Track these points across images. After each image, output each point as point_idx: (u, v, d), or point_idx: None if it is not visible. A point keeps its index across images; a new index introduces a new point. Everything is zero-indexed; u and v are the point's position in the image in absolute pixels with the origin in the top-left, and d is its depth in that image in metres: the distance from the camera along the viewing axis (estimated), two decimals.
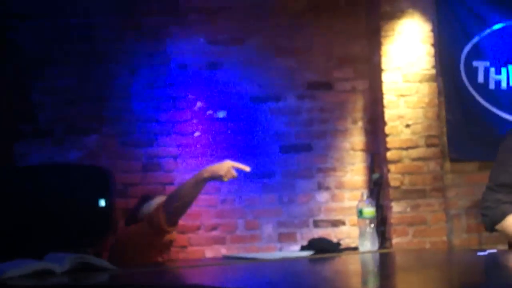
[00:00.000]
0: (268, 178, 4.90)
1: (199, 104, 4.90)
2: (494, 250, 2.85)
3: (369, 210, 3.20)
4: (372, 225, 3.20)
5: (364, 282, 2.27)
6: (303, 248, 3.34)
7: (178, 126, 4.86)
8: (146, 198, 3.74)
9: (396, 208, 4.69)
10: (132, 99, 4.84)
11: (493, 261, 2.62)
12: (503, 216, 2.96)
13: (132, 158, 4.81)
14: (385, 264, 2.95)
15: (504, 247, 4.76)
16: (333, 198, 4.92)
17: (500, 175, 3.03)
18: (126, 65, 4.86)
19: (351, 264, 2.92)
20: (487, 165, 4.89)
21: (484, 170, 4.91)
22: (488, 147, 4.88)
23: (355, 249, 3.33)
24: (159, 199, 3.61)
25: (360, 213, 3.21)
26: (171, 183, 4.73)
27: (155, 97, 4.87)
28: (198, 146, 4.84)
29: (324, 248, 3.21)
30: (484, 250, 2.81)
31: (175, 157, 4.84)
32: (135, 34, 4.87)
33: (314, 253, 3.19)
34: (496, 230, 3.03)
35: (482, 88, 4.93)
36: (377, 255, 3.18)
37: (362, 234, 3.21)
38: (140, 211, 3.61)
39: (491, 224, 3.03)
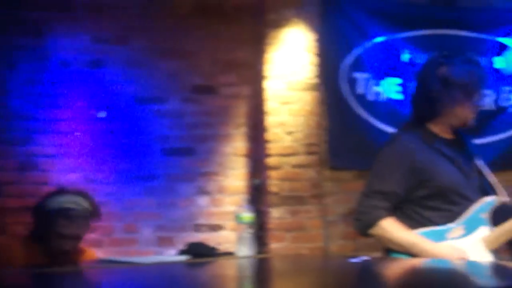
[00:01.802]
0: (149, 181, 4.93)
1: (80, 103, 4.85)
2: (367, 257, 2.98)
3: (247, 216, 3.28)
4: (250, 231, 3.28)
5: (240, 287, 2.34)
6: (180, 253, 3.38)
7: (57, 124, 4.81)
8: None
9: (275, 214, 4.83)
10: (10, 95, 4.73)
11: (364, 268, 2.75)
12: (376, 221, 3.06)
13: (8, 156, 4.71)
14: (261, 269, 3.05)
15: (378, 254, 4.99)
16: (214, 202, 5.01)
17: (375, 183, 3.14)
18: (5, 59, 4.73)
19: (227, 269, 3.00)
20: (364, 174, 5.09)
21: (361, 179, 5.12)
22: (366, 156, 5.09)
23: (232, 254, 3.40)
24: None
25: (238, 218, 3.29)
26: (47, 183, 4.64)
27: (34, 94, 4.79)
28: (77, 146, 4.79)
29: (200, 253, 3.27)
30: (357, 257, 2.94)
31: (52, 157, 4.77)
32: (18, 28, 4.75)
33: (191, 258, 3.23)
34: (368, 235, 3.13)
35: (362, 99, 5.16)
36: (254, 260, 3.26)
37: (239, 239, 3.29)
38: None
39: (364, 228, 3.12)
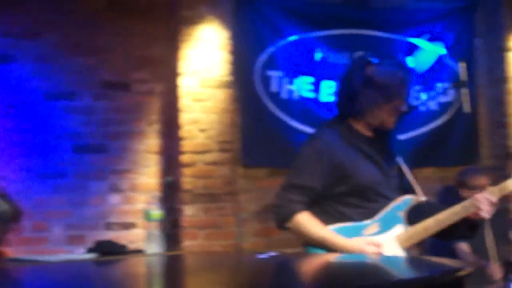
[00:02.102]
0: (59, 179, 4.86)
1: None
2: (274, 253, 3.02)
3: (156, 213, 3.28)
4: (159, 228, 3.28)
5: (148, 284, 2.33)
6: (89, 251, 3.35)
7: None
8: None
9: (188, 211, 4.83)
10: None
11: (270, 263, 2.78)
12: (292, 214, 3.09)
13: None
14: (170, 266, 3.05)
15: (292, 250, 5.06)
16: (126, 200, 4.98)
17: (294, 177, 3.16)
18: None
19: (133, 267, 2.99)
20: (277, 172, 5.21)
21: (274, 176, 5.21)
22: (278, 154, 5.19)
23: (142, 251, 3.39)
24: None
25: (147, 215, 3.29)
26: None
27: None
28: None
29: (109, 251, 3.25)
30: (265, 253, 2.98)
31: None
32: None
33: (99, 256, 3.22)
34: (285, 228, 3.15)
35: (275, 97, 5.21)
36: (164, 258, 3.26)
37: (149, 237, 3.29)
38: None
39: (280, 222, 3.15)
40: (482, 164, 5.83)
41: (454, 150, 5.76)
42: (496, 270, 4.50)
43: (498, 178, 5.80)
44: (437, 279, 1.68)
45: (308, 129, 5.27)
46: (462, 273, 1.79)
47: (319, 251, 3.09)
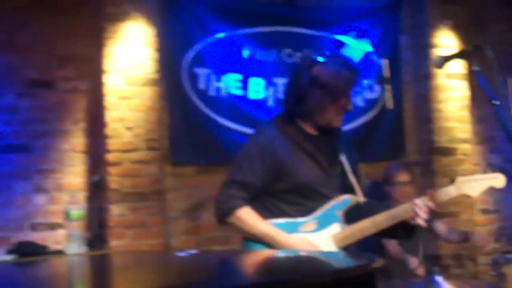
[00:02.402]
0: None
1: None
2: (194, 250, 3.02)
3: (77, 213, 3.24)
4: (83, 228, 3.25)
5: (68, 285, 2.30)
6: (9, 252, 3.30)
7: None
8: None
9: (115, 210, 4.80)
10: None
11: (186, 261, 2.77)
12: (232, 209, 3.17)
13: None
14: (92, 267, 3.01)
15: (222, 247, 5.08)
16: (51, 200, 4.91)
17: (235, 173, 3.23)
18: None
19: (54, 268, 2.94)
20: (206, 169, 5.22)
21: (203, 174, 5.21)
22: (207, 151, 5.20)
23: (62, 252, 3.35)
24: None
25: (67, 215, 3.25)
26: None
27: None
28: None
29: (28, 252, 3.20)
30: (185, 250, 2.97)
31: None
32: None
33: (19, 257, 3.16)
34: (226, 223, 3.22)
35: (203, 95, 5.21)
36: (87, 258, 3.22)
37: (69, 237, 3.25)
38: None
39: (221, 217, 3.22)
40: (408, 159, 5.96)
41: (380, 145, 5.86)
42: (419, 265, 4.59)
43: (424, 173, 5.98)
44: (341, 274, 1.71)
45: (236, 126, 5.29)
46: (371, 267, 1.82)
47: (259, 247, 3.15)
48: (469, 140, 6.05)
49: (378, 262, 1.87)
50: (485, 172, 3.44)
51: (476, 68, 2.94)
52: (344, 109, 3.21)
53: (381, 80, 5.66)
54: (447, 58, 3.08)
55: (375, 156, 5.81)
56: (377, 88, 5.85)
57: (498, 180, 3.40)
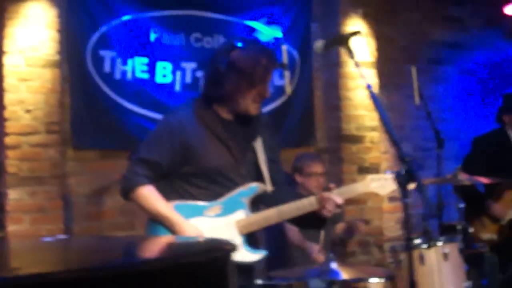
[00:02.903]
0: None
1: None
2: (63, 235, 3.01)
3: None
4: None
5: None
6: None
7: None
8: None
9: (13, 195, 4.73)
10: None
11: (50, 246, 2.70)
12: (135, 186, 3.20)
13: None
14: None
15: (124, 233, 5.05)
16: None
17: (142, 151, 3.26)
18: None
19: None
20: (110, 154, 5.18)
21: (106, 159, 5.16)
22: (111, 135, 5.15)
23: None
24: None
25: None
26: None
27: None
28: None
29: None
30: (53, 236, 2.95)
31: None
32: None
33: None
34: (130, 199, 3.26)
35: (108, 78, 5.16)
36: None
37: None
38: None
39: (124, 193, 3.26)
40: (317, 147, 6.02)
41: (289, 132, 5.91)
42: (319, 252, 4.66)
43: (332, 160, 6.06)
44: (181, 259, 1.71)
45: (142, 111, 5.26)
46: (217, 253, 1.83)
47: (163, 229, 3.18)
48: (378, 128, 6.15)
49: (227, 248, 1.88)
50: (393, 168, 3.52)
51: (353, 55, 3.00)
52: (262, 97, 3.22)
53: (281, 66, 5.68)
54: (328, 43, 3.12)
55: (284, 143, 5.80)
56: (286, 75, 5.89)
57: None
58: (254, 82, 3.16)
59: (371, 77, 6.10)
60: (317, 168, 5.09)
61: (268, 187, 3.37)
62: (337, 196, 3.30)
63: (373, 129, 6.11)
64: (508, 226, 5.22)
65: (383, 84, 6.27)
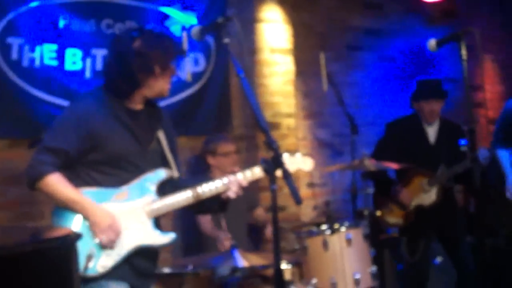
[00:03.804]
0: None
1: None
2: None
3: None
4: None
5: None
6: None
7: None
8: None
9: None
10: None
11: None
12: (41, 175, 3.21)
13: None
14: None
15: (34, 223, 5.01)
16: None
17: (48, 139, 3.29)
18: None
19: None
20: (18, 143, 5.12)
21: (15, 148, 5.12)
22: (20, 124, 5.11)
23: None
24: None
25: None
26: None
27: None
28: None
29: None
30: None
31: None
32: None
33: None
34: (36, 189, 3.27)
35: (16, 65, 5.10)
36: None
37: None
38: None
39: (30, 182, 3.27)
40: (234, 134, 6.07)
41: (206, 119, 5.95)
42: (226, 241, 4.73)
43: (248, 147, 6.12)
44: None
45: (51, 99, 5.21)
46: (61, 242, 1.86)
47: (70, 215, 3.24)
48: (294, 115, 6.23)
49: (71, 236, 1.92)
50: (294, 154, 3.62)
51: (226, 40, 3.09)
52: (172, 77, 3.41)
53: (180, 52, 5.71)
54: (203, 30, 3.23)
55: (200, 130, 5.89)
56: (202, 61, 5.91)
57: (306, 164, 3.60)
58: (166, 64, 3.33)
59: (288, 64, 6.17)
60: (231, 147, 5.20)
61: (175, 173, 3.51)
62: (241, 178, 3.43)
63: (289, 115, 6.18)
64: (413, 212, 5.37)
65: (301, 71, 6.36)
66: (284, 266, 4.41)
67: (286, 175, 2.84)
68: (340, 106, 5.52)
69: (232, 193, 3.46)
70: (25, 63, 5.14)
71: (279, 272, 2.75)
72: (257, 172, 3.50)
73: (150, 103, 3.48)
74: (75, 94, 5.16)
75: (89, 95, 3.40)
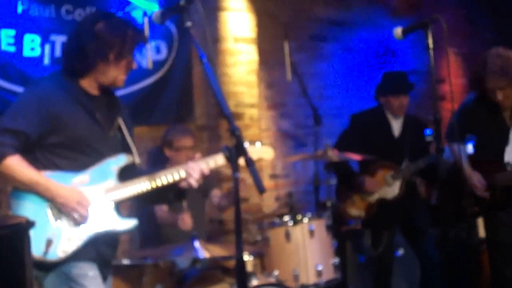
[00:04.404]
0: None
1: None
2: None
3: None
4: None
5: None
6: None
7: None
8: None
9: None
10: None
11: None
12: (2, 157, 3.15)
13: None
14: None
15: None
16: None
17: (8, 121, 3.21)
18: None
19: None
20: None
21: None
22: None
23: None
24: None
25: None
26: None
27: None
28: None
29: None
30: None
31: None
32: None
33: None
34: None
35: None
36: None
37: None
38: None
39: None
40: (196, 123, 6.02)
41: (168, 108, 5.89)
42: (187, 218, 4.71)
43: (211, 137, 6.08)
44: None
45: (9, 85, 5.11)
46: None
47: (30, 197, 3.20)
48: (257, 105, 6.20)
49: (23, 224, 1.88)
50: (254, 143, 3.61)
51: (188, 24, 3.04)
52: (129, 68, 3.35)
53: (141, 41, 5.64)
54: (164, 12, 3.20)
55: (161, 119, 5.83)
56: (164, 49, 5.85)
57: (267, 153, 3.60)
58: (120, 53, 3.27)
59: (251, 53, 6.13)
60: (187, 141, 5.11)
61: (136, 159, 3.49)
62: (204, 166, 3.42)
63: (252, 106, 6.15)
64: (375, 204, 5.38)
65: (264, 60, 6.33)
66: (246, 257, 4.39)
67: (249, 163, 2.80)
68: (303, 97, 5.50)
69: (193, 181, 3.44)
70: None
71: (241, 263, 2.71)
72: (219, 160, 3.48)
73: (107, 91, 3.44)
74: (33, 81, 5.05)
75: (47, 79, 3.37)
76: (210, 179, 5.30)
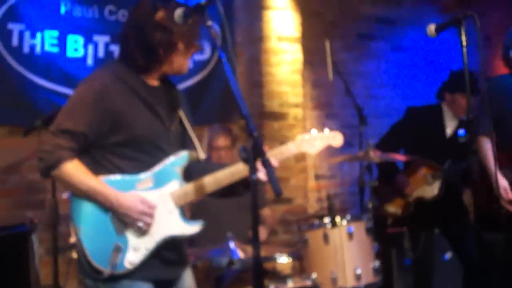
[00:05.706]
0: None
1: None
2: None
3: None
4: None
5: None
6: None
7: None
8: None
9: None
10: None
11: None
12: (60, 161, 2.93)
13: None
14: None
15: (34, 212, 5.01)
16: None
17: (64, 121, 2.96)
18: None
19: None
20: (18, 130, 5.12)
21: (15, 135, 5.12)
22: (20, 111, 5.13)
23: None
24: None
25: None
26: None
27: None
28: None
29: None
30: None
31: None
32: None
33: None
34: (50, 176, 2.99)
35: (17, 52, 5.12)
36: None
37: None
38: None
39: (46, 169, 2.96)
40: (239, 123, 6.02)
41: (210, 108, 5.92)
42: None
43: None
44: None
45: (52, 86, 5.23)
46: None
47: (88, 206, 2.98)
48: (302, 105, 6.18)
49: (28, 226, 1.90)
50: (323, 130, 3.46)
51: (209, 23, 2.87)
52: (194, 52, 3.13)
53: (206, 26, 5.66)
54: (186, 12, 2.99)
55: (204, 119, 5.85)
56: (207, 49, 5.88)
57: (336, 139, 3.45)
58: (191, 41, 3.06)
59: (296, 53, 6.11)
60: (220, 141, 5.07)
61: (201, 154, 3.21)
62: (272, 158, 3.10)
63: (296, 105, 6.13)
64: (413, 203, 5.31)
65: (310, 60, 6.30)
66: (284, 259, 4.37)
67: (266, 164, 2.69)
68: (348, 97, 5.45)
69: (262, 175, 2.95)
70: (26, 49, 5.15)
71: (258, 266, 2.64)
72: (288, 149, 3.27)
73: (167, 81, 3.20)
74: (77, 81, 5.10)
75: (105, 71, 3.08)
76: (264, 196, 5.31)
